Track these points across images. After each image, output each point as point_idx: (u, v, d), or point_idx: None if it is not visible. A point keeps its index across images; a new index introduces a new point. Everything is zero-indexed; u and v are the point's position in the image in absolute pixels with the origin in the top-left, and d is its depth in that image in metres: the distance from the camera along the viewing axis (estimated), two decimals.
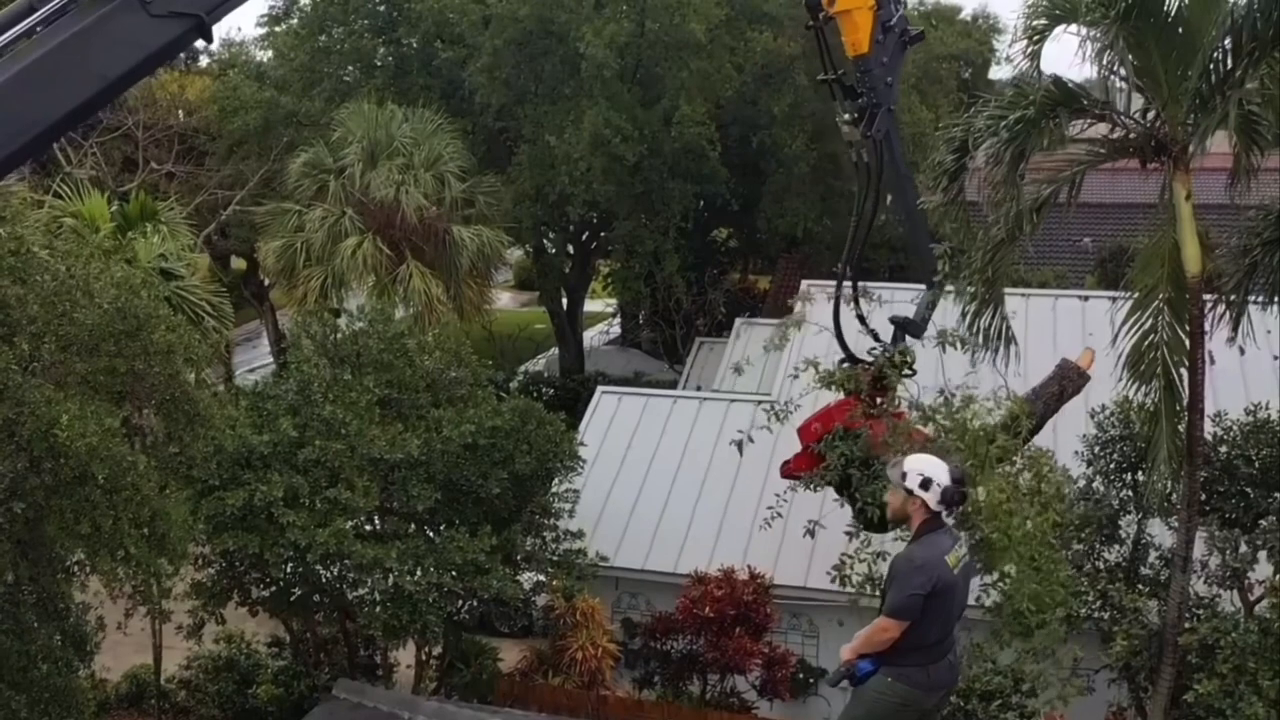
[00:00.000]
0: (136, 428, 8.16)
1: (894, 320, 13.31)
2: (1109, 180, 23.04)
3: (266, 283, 29.91)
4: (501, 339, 31.12)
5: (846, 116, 12.44)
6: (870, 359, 13.04)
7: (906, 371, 12.91)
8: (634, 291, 29.57)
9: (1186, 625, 11.28)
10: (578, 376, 30.68)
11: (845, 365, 13.22)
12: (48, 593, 8.15)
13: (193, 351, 8.42)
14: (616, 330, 39.63)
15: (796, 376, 13.81)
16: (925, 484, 5.43)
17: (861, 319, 13.30)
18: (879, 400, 12.82)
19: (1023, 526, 11.22)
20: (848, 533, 13.09)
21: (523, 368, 33.76)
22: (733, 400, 19.01)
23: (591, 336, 38.53)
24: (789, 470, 13.57)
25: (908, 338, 13.35)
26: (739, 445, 13.81)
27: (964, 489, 5.64)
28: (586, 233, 31.66)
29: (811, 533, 13.34)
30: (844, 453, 12.44)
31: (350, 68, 28.92)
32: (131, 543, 7.44)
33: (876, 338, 13.20)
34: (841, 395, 13.15)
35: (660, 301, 30.98)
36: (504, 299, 38.91)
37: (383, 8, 28.65)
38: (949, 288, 12.84)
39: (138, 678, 16.77)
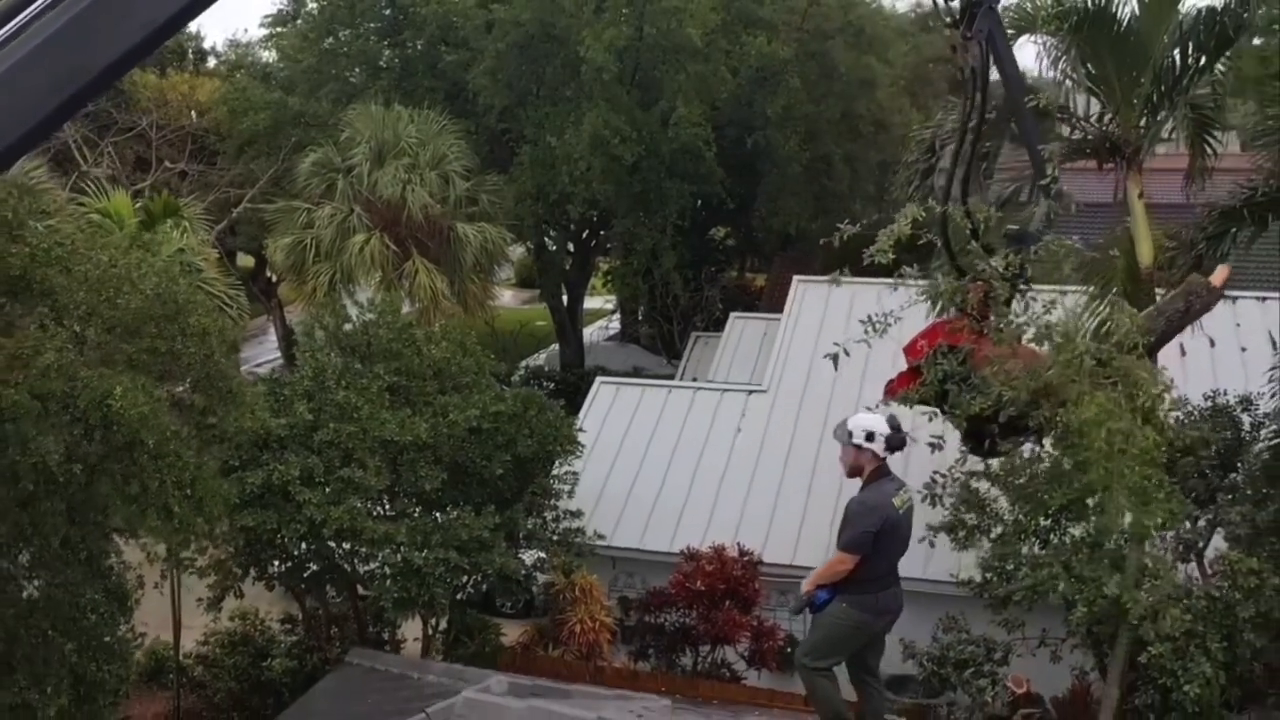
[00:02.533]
0: (176, 402, 8.95)
1: (1008, 233, 11.83)
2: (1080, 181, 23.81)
3: (274, 279, 30.74)
4: (503, 335, 31.91)
5: (947, 20, 11.67)
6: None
7: (1021, 285, 11.64)
8: (632, 288, 30.33)
9: (1142, 594, 12.04)
10: (578, 371, 31.47)
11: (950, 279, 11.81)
12: (91, 552, 8.96)
13: (225, 334, 9.23)
14: (616, 327, 40.49)
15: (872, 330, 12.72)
16: (870, 436, 6.27)
17: (975, 232, 11.73)
18: (989, 316, 11.57)
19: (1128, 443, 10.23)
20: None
21: (524, 362, 34.57)
22: (725, 390, 19.86)
23: (591, 333, 39.35)
24: (892, 389, 12.41)
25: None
26: (834, 360, 11.44)
27: (902, 434, 6.48)
28: (586, 231, 32.44)
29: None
30: (944, 368, 11.27)
31: (357, 69, 29.69)
32: (175, 502, 8.27)
33: (990, 250, 11.68)
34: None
35: (658, 298, 31.80)
36: (506, 296, 39.72)
37: (388, 11, 29.43)
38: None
39: (157, 654, 17.54)
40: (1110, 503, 10.54)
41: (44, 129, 5.31)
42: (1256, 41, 39.60)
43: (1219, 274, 11.99)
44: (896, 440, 6.37)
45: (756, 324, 24.24)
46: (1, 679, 8.27)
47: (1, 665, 8.30)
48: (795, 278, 22.02)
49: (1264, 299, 18.97)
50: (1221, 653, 11.54)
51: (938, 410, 11.63)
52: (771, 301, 30.04)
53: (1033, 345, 11.07)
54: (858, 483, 6.81)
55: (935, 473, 12.52)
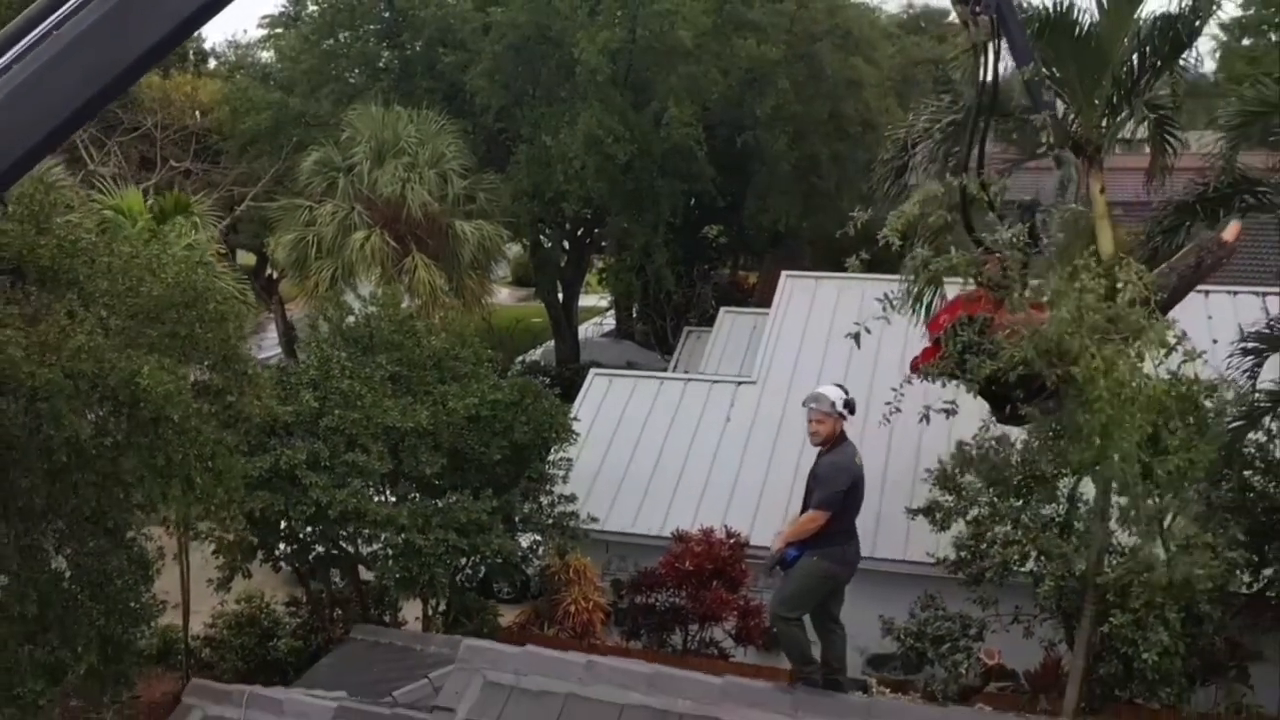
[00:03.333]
0: (195, 384, 9.58)
1: (1021, 204, 11.90)
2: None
3: (275, 276, 31.30)
4: (500, 331, 32.54)
5: None
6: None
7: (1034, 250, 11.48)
8: (626, 285, 30.93)
9: (1106, 568, 12.71)
10: (573, 365, 32.06)
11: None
12: (116, 523, 9.59)
13: (241, 320, 9.88)
14: (611, 324, 41.12)
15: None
16: (848, 405, 6.97)
17: (991, 204, 11.76)
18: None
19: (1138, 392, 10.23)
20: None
21: (520, 358, 35.20)
22: (714, 382, 20.51)
23: (587, 329, 40.00)
24: (916, 364, 12.41)
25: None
26: (855, 338, 11.89)
27: (852, 399, 7.19)
28: (581, 229, 33.03)
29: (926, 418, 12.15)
30: (963, 339, 11.26)
31: (356, 70, 30.22)
32: (197, 474, 8.92)
33: (1001, 218, 11.73)
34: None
35: (651, 295, 32.41)
36: (502, 294, 40.30)
37: (388, 14, 29.96)
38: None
39: (165, 636, 18.15)
40: (1121, 451, 10.38)
41: (79, 118, 5.86)
42: (1246, 42, 40.16)
43: (1230, 230, 11.92)
44: (853, 405, 7.07)
45: (746, 318, 24.88)
46: (36, 639, 8.95)
47: (36, 627, 8.97)
48: (783, 273, 22.64)
49: (1235, 293, 19.60)
50: (1179, 623, 12.21)
51: (960, 381, 11.46)
52: (762, 297, 30.66)
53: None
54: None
55: (959, 442, 13.14)
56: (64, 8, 5.53)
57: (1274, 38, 59.54)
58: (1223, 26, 63.36)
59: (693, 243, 33.88)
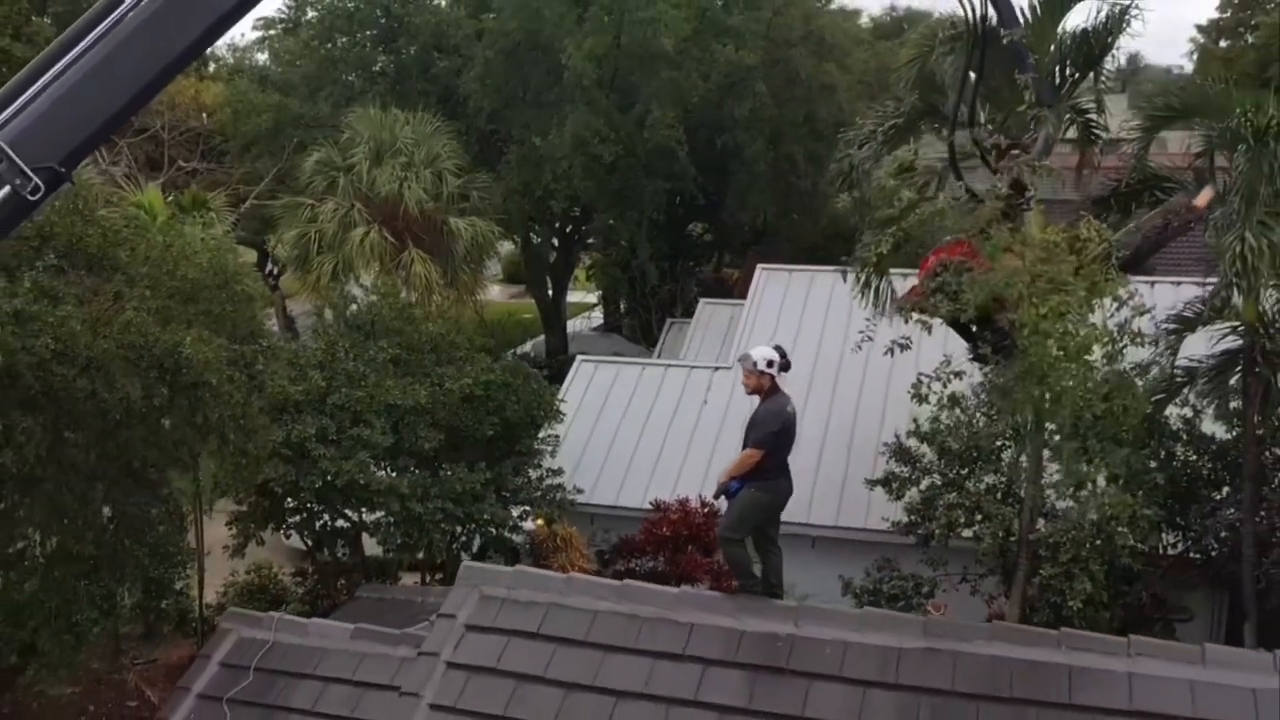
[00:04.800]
0: (226, 353, 10.90)
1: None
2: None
3: (276, 271, 32.56)
4: (492, 325, 33.79)
5: None
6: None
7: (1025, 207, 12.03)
8: (611, 278, 32.10)
9: (1039, 528, 14.11)
10: (561, 357, 33.14)
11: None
12: (157, 478, 10.93)
13: (266, 300, 11.23)
14: (600, 318, 42.41)
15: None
16: (770, 364, 8.35)
17: (984, 156, 12.11)
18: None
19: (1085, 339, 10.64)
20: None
21: (511, 351, 36.43)
22: (692, 368, 21.86)
23: (576, 324, 41.27)
24: (899, 302, 13.10)
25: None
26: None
27: (788, 359, 8.55)
28: (570, 226, 34.02)
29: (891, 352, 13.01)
30: (940, 280, 11.95)
31: (354, 74, 31.23)
32: (230, 431, 10.27)
33: (988, 164, 12.29)
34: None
35: (638, 289, 33.68)
36: (494, 291, 41.60)
37: (384, 20, 30.93)
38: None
39: (180, 605, 19.45)
40: (1055, 392, 11.04)
41: (133, 106, 6.43)
42: (1223, 44, 41.92)
43: (1203, 196, 12.30)
44: (785, 364, 8.46)
45: (724, 309, 26.17)
46: (90, 576, 10.29)
47: (90, 566, 10.31)
48: (759, 265, 23.98)
49: (1179, 283, 20.96)
50: (1103, 574, 13.61)
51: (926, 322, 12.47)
52: (742, 291, 31.91)
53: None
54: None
55: (920, 374, 13.45)
56: (119, 9, 6.17)
57: (1250, 40, 61.20)
58: (1200, 29, 65.00)
59: (677, 240, 34.94)
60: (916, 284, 12.55)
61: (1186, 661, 7.17)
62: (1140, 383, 15.11)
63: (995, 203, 11.31)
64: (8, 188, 5.76)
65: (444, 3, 31.25)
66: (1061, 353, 11.18)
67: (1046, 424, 12.92)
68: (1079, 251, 11.09)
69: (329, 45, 31.49)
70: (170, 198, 17.65)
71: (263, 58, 35.87)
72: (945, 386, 13.41)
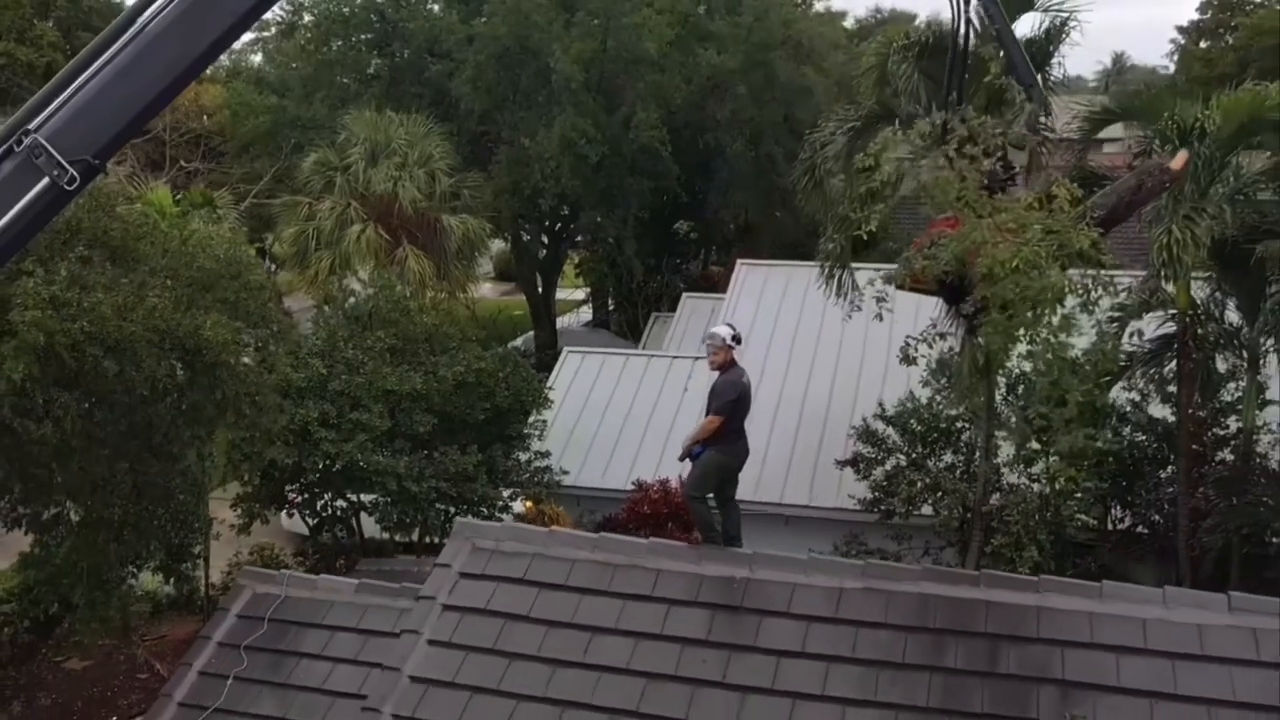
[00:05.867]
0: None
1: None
2: None
3: (273, 268, 33.49)
4: (483, 320, 34.73)
5: None
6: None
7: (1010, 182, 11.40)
8: (598, 274, 33.05)
9: (992, 501, 15.20)
10: (551, 352, 33.97)
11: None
12: (176, 451, 11.95)
13: (276, 288, 12.24)
14: (589, 314, 43.39)
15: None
16: (735, 339, 9.46)
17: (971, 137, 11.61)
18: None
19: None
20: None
21: (502, 346, 37.35)
22: (674, 358, 22.91)
23: (566, 320, 42.25)
24: (896, 276, 12.26)
25: None
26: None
27: (739, 334, 9.64)
28: (558, 224, 34.91)
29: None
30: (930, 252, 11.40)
31: (350, 77, 32.12)
32: (245, 405, 11.29)
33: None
34: None
35: (625, 286, 34.67)
36: (485, 289, 42.55)
37: (379, 25, 31.73)
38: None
39: (186, 584, 20.44)
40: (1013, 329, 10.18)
41: (163, 99, 6.92)
42: (1204, 44, 43.36)
43: (1178, 159, 12.07)
44: (740, 337, 9.58)
45: (705, 302, 27.18)
46: (119, 538, 11.31)
47: (119, 529, 11.32)
48: (739, 261, 25.03)
49: (1135, 277, 22.07)
50: (1049, 543, 14.71)
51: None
52: (726, 287, 32.96)
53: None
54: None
55: (908, 336, 13.58)
56: (146, 14, 6.67)
57: (1229, 41, 62.38)
58: (1181, 30, 66.12)
59: (663, 237, 35.87)
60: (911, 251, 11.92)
61: (1085, 596, 8.25)
62: (1089, 367, 16.30)
63: (976, 176, 10.61)
64: (46, 179, 6.32)
65: (437, 8, 32.04)
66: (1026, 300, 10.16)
67: (998, 399, 13.94)
68: (1052, 212, 10.50)
69: (325, 49, 32.29)
70: (180, 196, 18.62)
71: (257, 59, 36.79)
72: (931, 349, 13.58)
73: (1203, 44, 61.66)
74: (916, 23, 41.60)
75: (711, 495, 9.82)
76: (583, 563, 9.08)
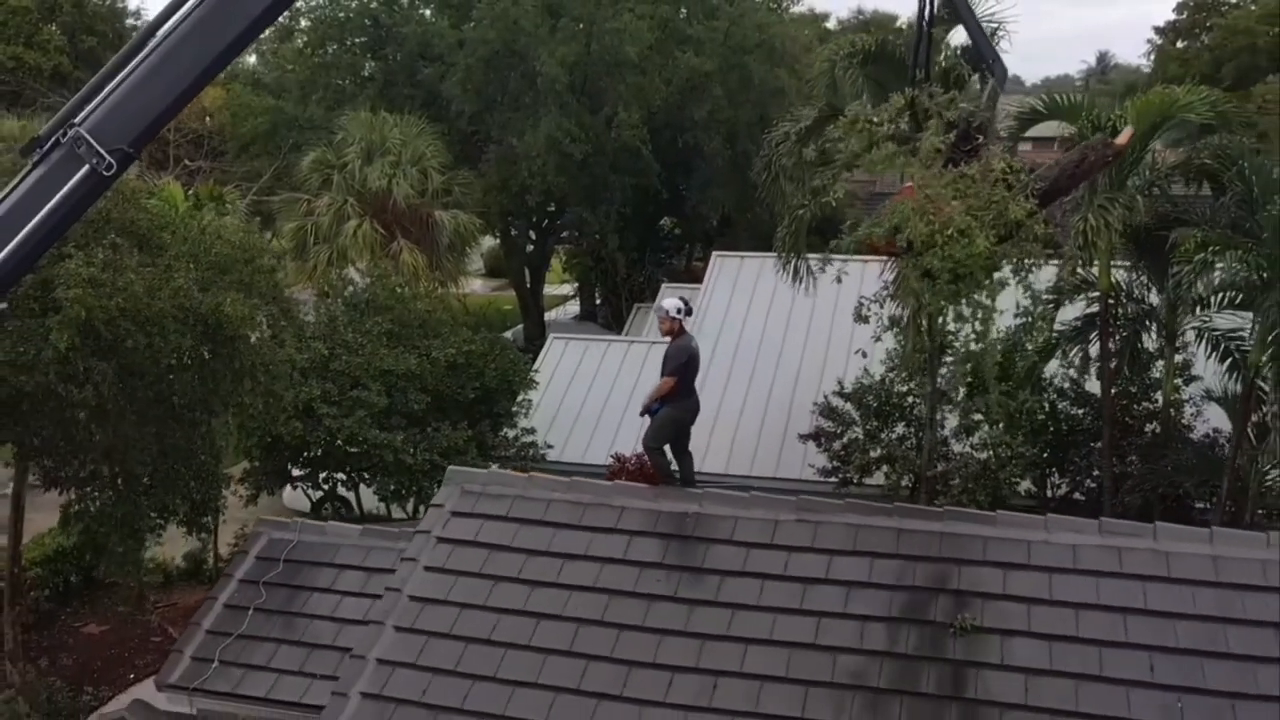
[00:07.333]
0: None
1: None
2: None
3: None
4: (474, 312, 36.05)
5: None
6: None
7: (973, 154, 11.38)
8: (583, 268, 34.34)
9: (937, 468, 16.64)
10: (539, 343, 35.48)
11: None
12: (197, 417, 13.38)
13: (285, 272, 13.67)
14: (576, 309, 44.77)
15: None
16: (679, 310, 10.91)
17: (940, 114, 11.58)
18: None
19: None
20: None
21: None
22: (653, 344, 24.29)
23: (554, 314, 43.61)
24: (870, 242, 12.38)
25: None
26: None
27: (689, 305, 11.08)
28: (545, 220, 36.23)
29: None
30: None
31: (345, 79, 33.39)
32: (260, 374, 12.72)
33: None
34: None
35: (610, 280, 36.02)
36: (476, 285, 43.96)
37: (374, 29, 33.09)
38: None
39: (194, 555, 21.78)
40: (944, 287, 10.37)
41: (188, 95, 7.65)
42: (1180, 44, 45.18)
43: (1124, 134, 12.47)
44: (688, 310, 11.05)
45: (683, 292, 28.57)
46: (148, 493, 12.72)
47: (148, 484, 12.74)
48: (714, 253, 26.46)
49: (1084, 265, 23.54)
50: (987, 504, 16.14)
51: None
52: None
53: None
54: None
55: (862, 296, 14.14)
56: (174, 18, 7.46)
57: (1204, 41, 63.86)
58: (1158, 30, 67.63)
59: (647, 233, 37.16)
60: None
61: (986, 523, 9.73)
62: (1031, 347, 17.73)
63: (936, 147, 10.94)
64: (87, 166, 7.21)
65: (429, 13, 33.34)
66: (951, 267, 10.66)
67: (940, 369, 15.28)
68: (994, 183, 10.67)
69: (321, 52, 33.57)
70: (191, 190, 20.02)
71: (252, 60, 37.95)
72: (882, 308, 13.90)
73: (1179, 44, 63.34)
74: (897, 24, 43.36)
75: (670, 448, 11.26)
76: (557, 502, 10.51)
